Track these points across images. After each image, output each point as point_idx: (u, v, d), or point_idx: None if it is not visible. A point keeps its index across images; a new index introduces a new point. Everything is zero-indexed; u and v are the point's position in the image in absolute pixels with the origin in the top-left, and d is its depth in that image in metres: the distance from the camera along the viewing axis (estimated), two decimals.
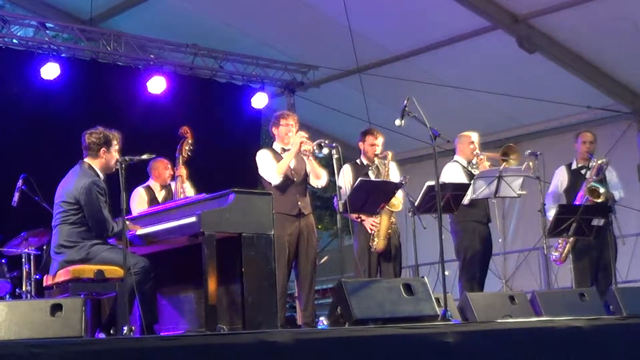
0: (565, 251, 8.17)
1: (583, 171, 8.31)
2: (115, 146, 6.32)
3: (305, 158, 7.28)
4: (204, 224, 5.90)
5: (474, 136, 8.24)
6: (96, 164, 6.30)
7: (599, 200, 7.99)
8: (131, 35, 10.44)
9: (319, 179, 7.37)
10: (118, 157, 6.24)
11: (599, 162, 8.19)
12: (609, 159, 8.36)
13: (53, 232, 6.29)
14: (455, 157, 8.27)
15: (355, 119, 10.57)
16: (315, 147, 7.08)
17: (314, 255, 7.31)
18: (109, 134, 6.33)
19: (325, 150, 7.01)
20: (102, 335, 6.12)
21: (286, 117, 7.46)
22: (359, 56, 9.95)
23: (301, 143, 7.15)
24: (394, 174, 7.75)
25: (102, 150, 6.29)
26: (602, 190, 8.00)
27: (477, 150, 8.17)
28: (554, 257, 8.24)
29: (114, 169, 6.27)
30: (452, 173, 8.01)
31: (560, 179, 8.43)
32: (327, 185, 7.59)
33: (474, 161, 8.16)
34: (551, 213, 7.94)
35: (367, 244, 7.58)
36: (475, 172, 8.02)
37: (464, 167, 8.17)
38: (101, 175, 6.28)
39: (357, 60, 9.98)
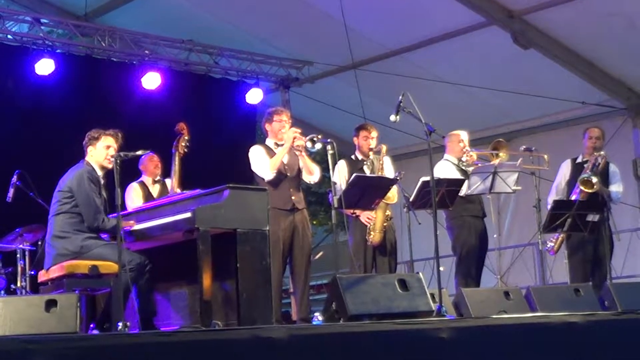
0: (559, 242, 8.22)
1: (586, 165, 8.36)
2: (104, 142, 6.34)
3: (297, 154, 7.27)
4: (199, 220, 5.90)
5: (463, 134, 8.29)
6: (91, 160, 6.37)
7: (592, 190, 8.00)
8: (126, 31, 10.40)
9: (311, 174, 7.35)
10: (108, 153, 6.28)
11: (593, 155, 8.21)
12: (606, 153, 8.38)
13: (49, 224, 6.33)
14: (446, 156, 8.32)
15: (350, 114, 10.57)
16: (307, 143, 7.07)
17: (308, 251, 7.30)
18: (95, 131, 6.38)
19: (318, 145, 7.00)
20: (96, 331, 6.12)
21: (280, 113, 7.46)
22: (354, 52, 9.95)
23: (294, 138, 7.15)
24: (388, 168, 7.75)
25: (89, 147, 6.38)
26: (594, 180, 8.01)
27: (467, 148, 8.20)
28: (548, 247, 8.30)
29: (108, 166, 6.31)
30: (444, 171, 8.02)
31: (564, 172, 8.47)
32: (321, 180, 7.58)
33: (464, 158, 8.20)
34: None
35: (362, 240, 7.58)
36: (467, 169, 8.06)
37: (455, 165, 8.20)
38: (99, 172, 6.32)
39: (352, 56, 9.99)
